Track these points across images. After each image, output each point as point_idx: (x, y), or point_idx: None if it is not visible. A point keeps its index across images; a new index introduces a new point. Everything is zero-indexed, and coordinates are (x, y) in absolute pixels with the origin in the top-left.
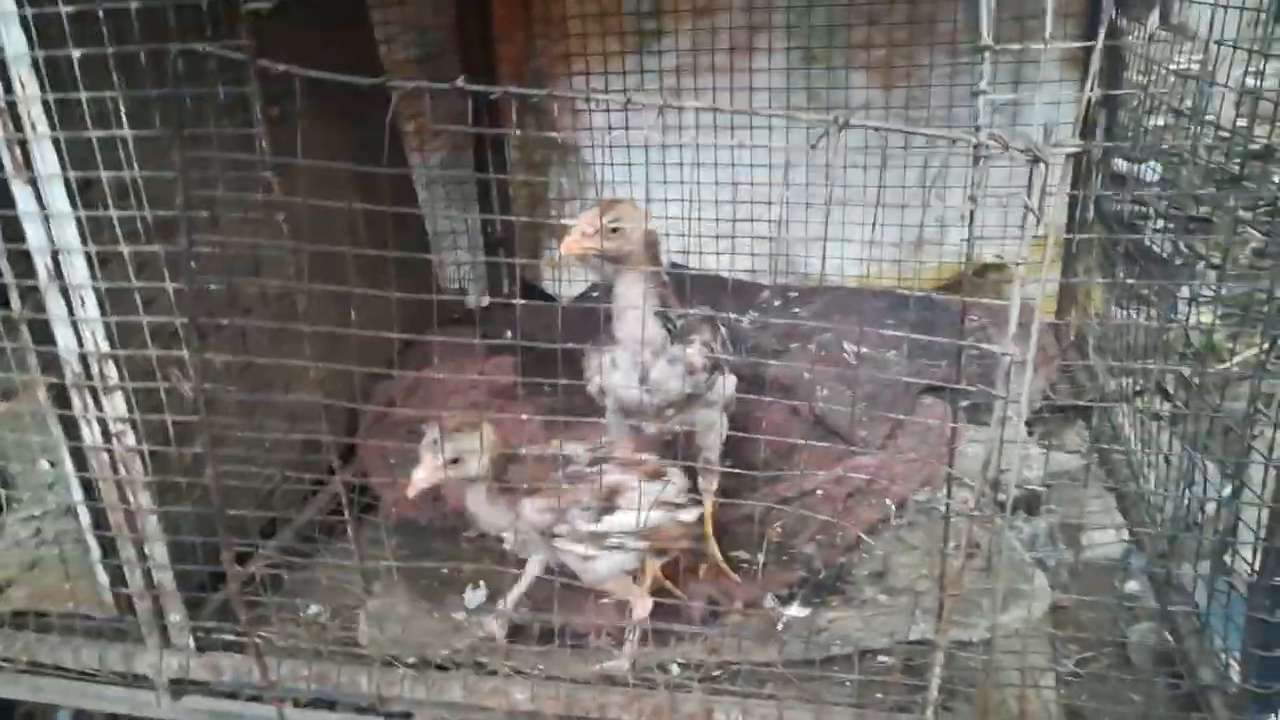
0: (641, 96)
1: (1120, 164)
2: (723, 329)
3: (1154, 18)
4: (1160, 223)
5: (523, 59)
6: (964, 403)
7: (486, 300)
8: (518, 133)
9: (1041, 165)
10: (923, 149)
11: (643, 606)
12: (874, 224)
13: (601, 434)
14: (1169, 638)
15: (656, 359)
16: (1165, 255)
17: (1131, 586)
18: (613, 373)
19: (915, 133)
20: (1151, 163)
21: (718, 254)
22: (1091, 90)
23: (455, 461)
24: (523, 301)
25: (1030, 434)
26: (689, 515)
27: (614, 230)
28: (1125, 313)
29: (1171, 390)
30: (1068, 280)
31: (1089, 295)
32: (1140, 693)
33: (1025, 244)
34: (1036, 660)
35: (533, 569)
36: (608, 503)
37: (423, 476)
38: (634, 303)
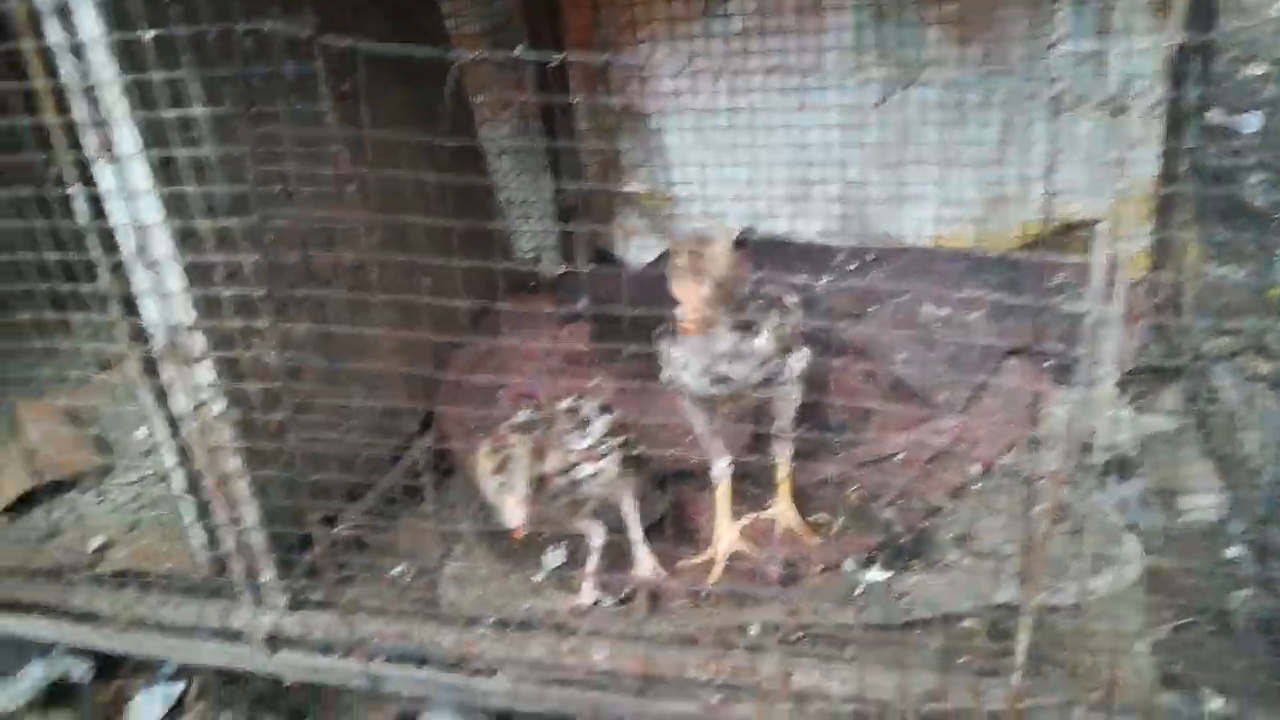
0: (700, 63)
1: (1217, 115)
2: (793, 301)
3: None
4: (1259, 176)
5: (589, 27)
6: (1048, 363)
7: (562, 268)
8: (576, 100)
9: (1123, 116)
10: (999, 104)
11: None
12: (947, 183)
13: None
14: (1270, 603)
15: (730, 364)
16: (1264, 209)
17: (1232, 552)
18: (683, 372)
19: (987, 85)
20: (1250, 115)
21: (792, 217)
22: (1176, 37)
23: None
24: (596, 269)
25: (1123, 395)
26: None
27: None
28: (1223, 269)
29: (1272, 349)
30: (1158, 235)
31: (1185, 251)
32: (1240, 659)
33: (1109, 198)
34: (1129, 626)
35: (597, 537)
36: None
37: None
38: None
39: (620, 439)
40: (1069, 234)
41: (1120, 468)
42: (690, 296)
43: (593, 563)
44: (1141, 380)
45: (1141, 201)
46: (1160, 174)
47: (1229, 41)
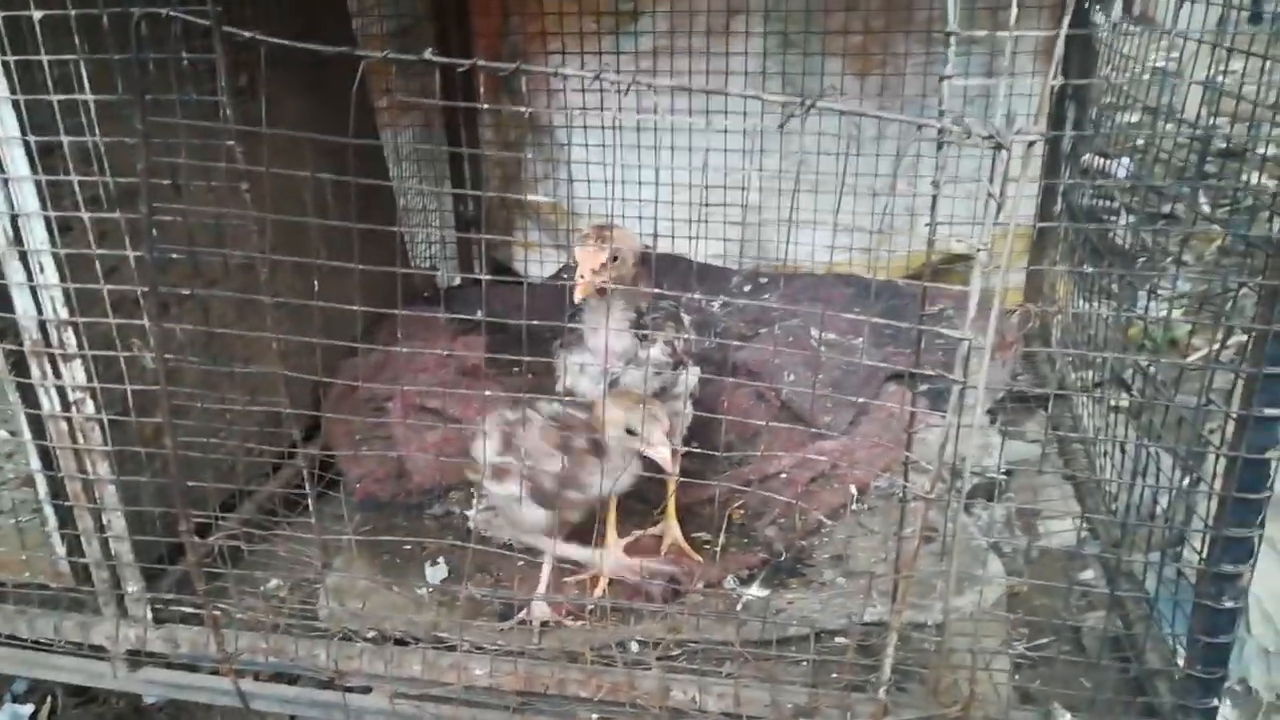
0: (611, 76)
1: (1089, 159)
2: (686, 320)
3: (1117, 8)
4: (1126, 217)
5: (498, 35)
6: (923, 388)
7: (457, 279)
8: (485, 107)
9: (1003, 151)
10: (894, 137)
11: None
12: (843, 211)
13: None
14: (1119, 623)
15: (625, 366)
16: (1129, 249)
17: (1087, 575)
18: (580, 378)
19: (878, 116)
20: (1122, 159)
21: (690, 238)
22: (1055, 79)
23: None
24: (493, 279)
25: (991, 421)
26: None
27: (615, 259)
28: (1089, 305)
29: (1130, 382)
30: (1033, 269)
31: (1055, 286)
32: (1090, 677)
33: (986, 231)
34: (989, 643)
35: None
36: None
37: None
38: (613, 319)
39: None
40: (950, 265)
41: (987, 491)
42: (588, 259)
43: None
44: (1010, 408)
45: (1019, 236)
46: (1036, 211)
47: (1105, 88)
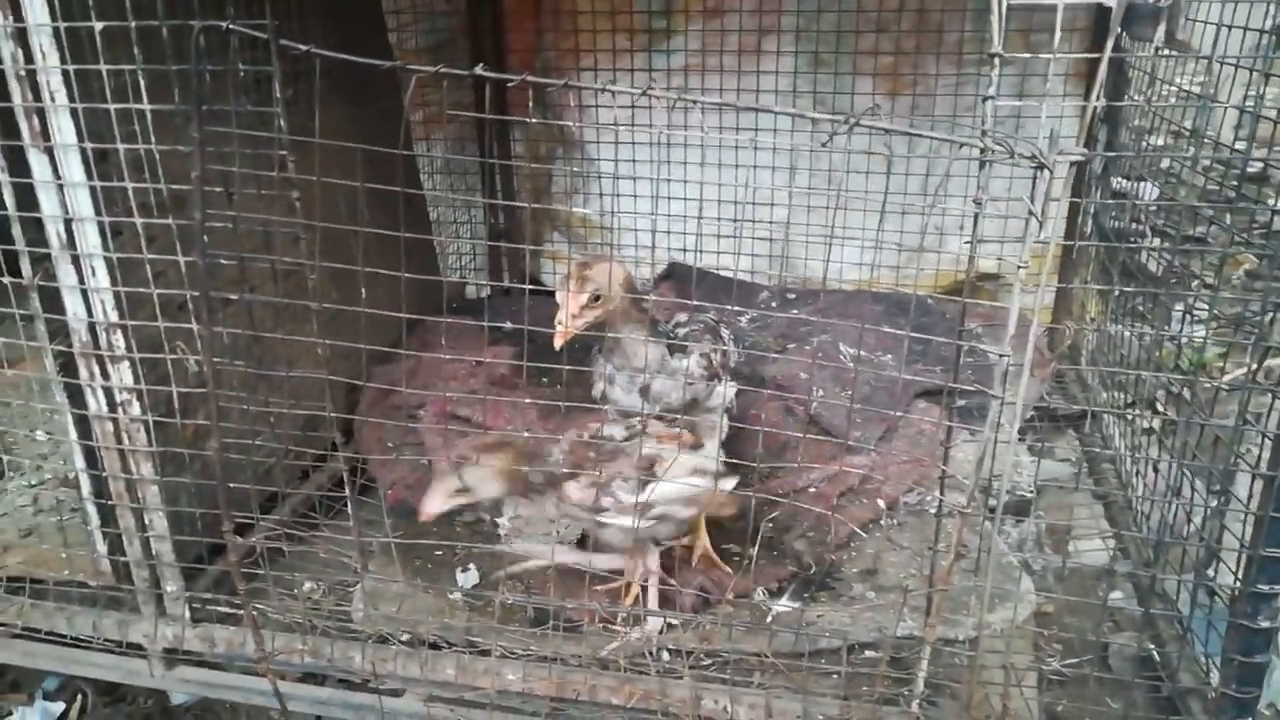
0: (659, 92)
1: (1119, 182)
2: (726, 334)
3: (1159, 34)
4: (1156, 240)
5: (532, 50)
6: (959, 402)
7: (487, 290)
8: (532, 121)
9: (1045, 171)
10: (926, 155)
11: (654, 560)
12: (877, 228)
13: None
14: (1150, 644)
15: (656, 375)
16: (1159, 272)
17: (1116, 595)
18: (613, 388)
19: (924, 136)
20: (1149, 182)
21: (719, 253)
22: (1097, 100)
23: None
24: (527, 288)
25: (1022, 440)
26: (728, 483)
27: (596, 299)
28: (1120, 327)
29: (1162, 404)
30: (1064, 287)
31: (1085, 306)
32: (1121, 697)
33: (1026, 250)
34: (1020, 660)
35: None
36: (648, 473)
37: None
38: (628, 342)
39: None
40: (982, 282)
41: (1018, 509)
42: (568, 302)
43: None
44: (1041, 427)
45: (1052, 256)
46: (1067, 232)
47: (1135, 111)
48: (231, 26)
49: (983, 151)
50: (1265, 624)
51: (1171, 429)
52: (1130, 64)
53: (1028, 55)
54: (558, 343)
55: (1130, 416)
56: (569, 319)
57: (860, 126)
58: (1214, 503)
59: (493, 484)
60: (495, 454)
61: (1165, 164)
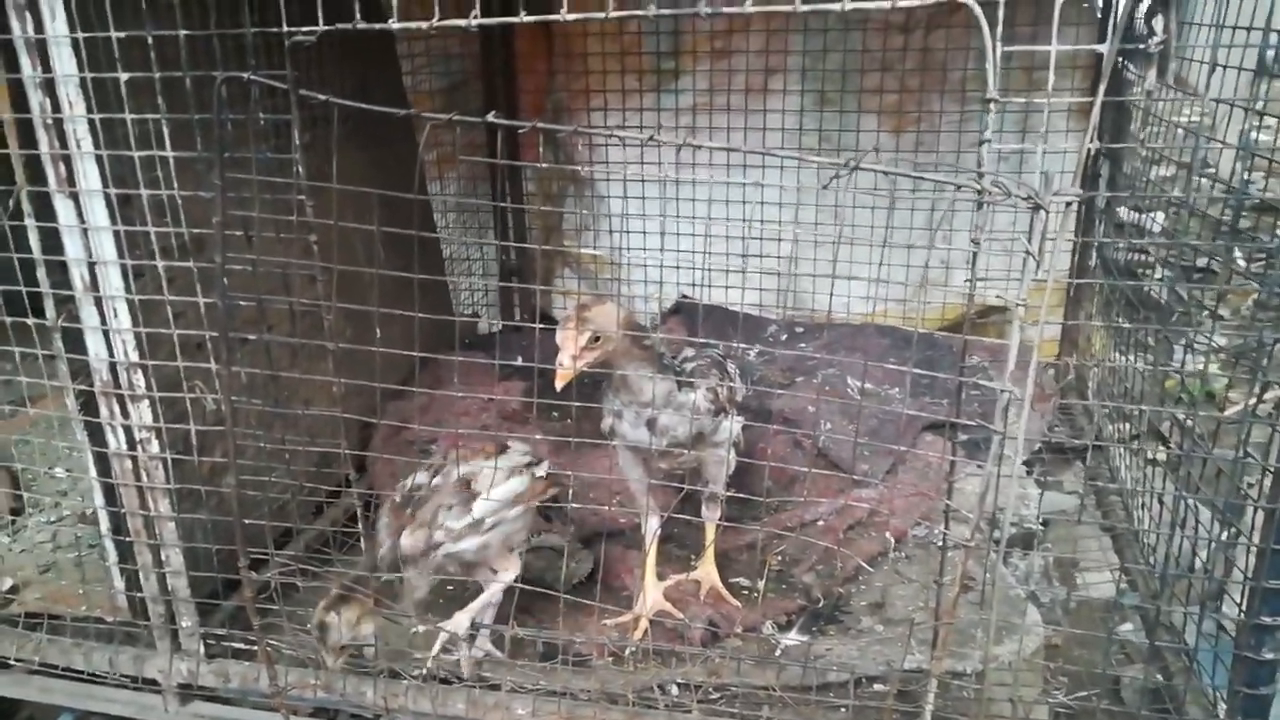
0: (662, 135)
1: (1124, 213)
2: (732, 369)
3: (1151, 75)
4: (1161, 271)
5: (543, 92)
6: (963, 437)
7: (499, 325)
8: (544, 165)
9: (1042, 212)
10: (929, 193)
11: (515, 568)
12: (880, 263)
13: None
14: (1159, 676)
15: (663, 409)
16: (1164, 303)
17: (1126, 628)
18: (621, 422)
19: (923, 177)
20: (1155, 214)
21: (726, 288)
22: (1092, 141)
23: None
24: (538, 326)
25: (1028, 473)
26: (541, 470)
27: (596, 340)
28: (1125, 358)
29: (1167, 435)
30: (1067, 323)
31: (1090, 340)
32: None
33: (1025, 287)
34: (1027, 693)
35: (495, 588)
36: (468, 492)
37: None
38: (634, 378)
39: (530, 501)
40: (984, 317)
41: (1024, 541)
42: (568, 344)
43: (477, 607)
44: (1047, 459)
45: (1055, 290)
46: (1073, 265)
47: (1139, 144)
48: (253, 77)
49: (979, 193)
50: (1270, 655)
51: (1176, 461)
52: (1131, 102)
53: (1023, 100)
54: (559, 384)
55: (1135, 449)
56: (570, 360)
57: (868, 169)
58: (1220, 535)
59: (364, 625)
60: (349, 608)
61: (1174, 195)
